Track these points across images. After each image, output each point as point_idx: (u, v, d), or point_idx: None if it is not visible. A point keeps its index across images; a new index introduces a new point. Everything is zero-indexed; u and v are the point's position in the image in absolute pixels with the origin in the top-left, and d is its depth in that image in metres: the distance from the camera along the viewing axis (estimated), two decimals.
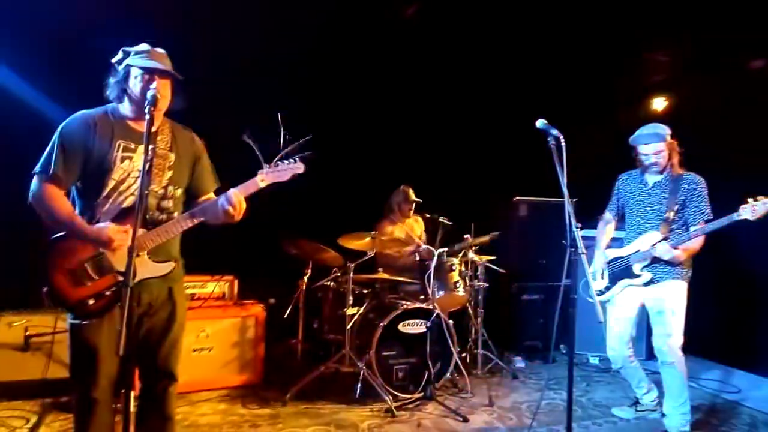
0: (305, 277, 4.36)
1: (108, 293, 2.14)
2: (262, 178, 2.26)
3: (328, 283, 4.36)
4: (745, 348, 4.70)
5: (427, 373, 3.83)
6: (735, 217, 2.97)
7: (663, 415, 3.40)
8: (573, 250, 2.41)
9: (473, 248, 4.46)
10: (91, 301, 2.11)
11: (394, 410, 3.55)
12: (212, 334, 3.96)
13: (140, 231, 2.03)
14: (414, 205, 4.81)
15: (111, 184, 2.17)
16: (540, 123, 2.54)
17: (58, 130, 2.18)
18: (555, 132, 2.47)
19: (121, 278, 2.09)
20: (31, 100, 3.96)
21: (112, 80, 2.25)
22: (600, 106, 5.38)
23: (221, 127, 2.93)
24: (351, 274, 4.03)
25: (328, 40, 4.59)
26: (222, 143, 2.60)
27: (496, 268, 4.71)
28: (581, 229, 2.45)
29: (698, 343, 3.89)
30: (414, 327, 3.92)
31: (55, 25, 3.76)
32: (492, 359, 4.62)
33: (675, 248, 3.18)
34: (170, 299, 2.31)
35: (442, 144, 5.53)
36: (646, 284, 3.34)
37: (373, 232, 4.14)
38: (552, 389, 4.19)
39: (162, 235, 2.21)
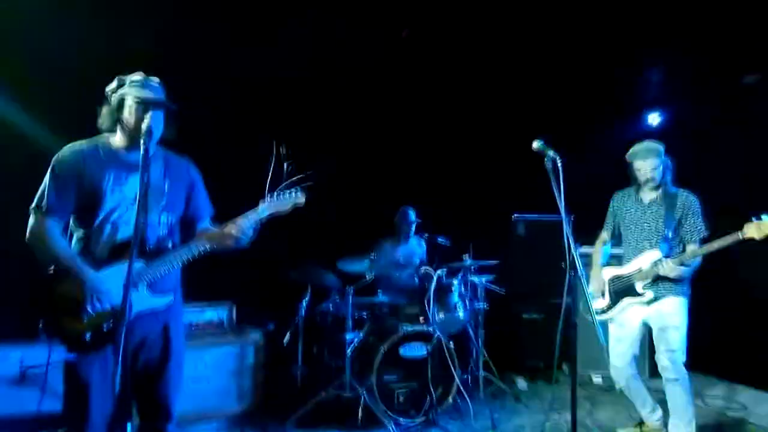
0: (304, 302, 4.32)
1: (104, 328, 2.10)
2: (264, 209, 2.27)
3: (328, 307, 4.32)
4: (748, 363, 4.65)
5: (428, 397, 3.78)
6: (740, 236, 2.94)
7: None
8: (573, 273, 2.38)
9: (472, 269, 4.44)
10: (87, 336, 2.08)
11: None
12: (210, 362, 3.89)
13: (138, 264, 2.01)
14: (413, 225, 4.80)
15: (102, 214, 2.15)
16: (537, 144, 2.51)
17: (51, 162, 2.17)
18: (552, 153, 2.45)
19: (117, 311, 2.06)
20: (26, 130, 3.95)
21: (104, 109, 2.23)
22: (596, 122, 5.42)
23: (217, 155, 2.93)
24: (350, 298, 4.00)
25: (327, 64, 4.62)
26: (218, 171, 2.60)
27: (495, 288, 4.68)
28: (582, 245, 2.42)
29: (701, 359, 3.85)
30: (415, 350, 3.87)
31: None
32: (494, 381, 4.55)
33: (681, 265, 3.17)
34: (163, 336, 2.26)
35: (441, 164, 5.55)
36: (649, 302, 3.32)
37: (372, 255, 4.11)
38: (555, 410, 4.13)
39: (161, 267, 2.19)
